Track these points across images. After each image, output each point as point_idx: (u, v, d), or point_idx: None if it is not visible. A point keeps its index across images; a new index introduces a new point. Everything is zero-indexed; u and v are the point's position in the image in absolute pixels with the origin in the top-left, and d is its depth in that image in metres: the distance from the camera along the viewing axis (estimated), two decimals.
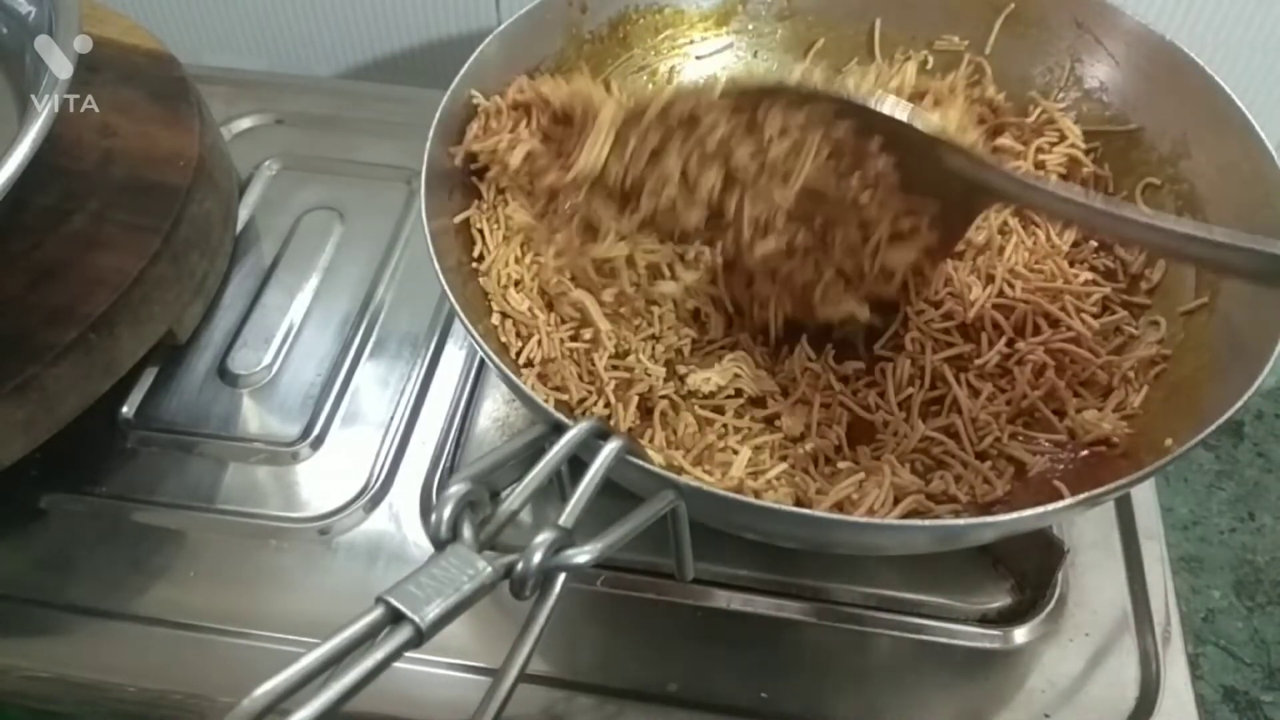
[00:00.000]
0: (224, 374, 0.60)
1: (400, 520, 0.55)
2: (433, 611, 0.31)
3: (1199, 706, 0.48)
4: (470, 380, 0.60)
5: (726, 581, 0.52)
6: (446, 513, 0.34)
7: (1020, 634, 0.51)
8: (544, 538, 0.34)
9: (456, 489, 0.35)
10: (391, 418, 0.58)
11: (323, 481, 0.56)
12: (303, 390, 0.60)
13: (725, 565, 0.52)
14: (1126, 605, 0.52)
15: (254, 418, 0.58)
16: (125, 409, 0.58)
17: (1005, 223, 0.56)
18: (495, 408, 0.59)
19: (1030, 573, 0.51)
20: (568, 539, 0.35)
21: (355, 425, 0.58)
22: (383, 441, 0.58)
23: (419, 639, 0.31)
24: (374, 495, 0.56)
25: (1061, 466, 0.48)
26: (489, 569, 0.33)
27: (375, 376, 0.61)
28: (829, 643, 0.51)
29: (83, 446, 0.56)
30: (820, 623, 0.51)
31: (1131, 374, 0.50)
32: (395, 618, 0.31)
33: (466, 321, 0.45)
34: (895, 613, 0.51)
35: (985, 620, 0.51)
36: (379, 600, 0.32)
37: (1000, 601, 0.52)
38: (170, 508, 0.55)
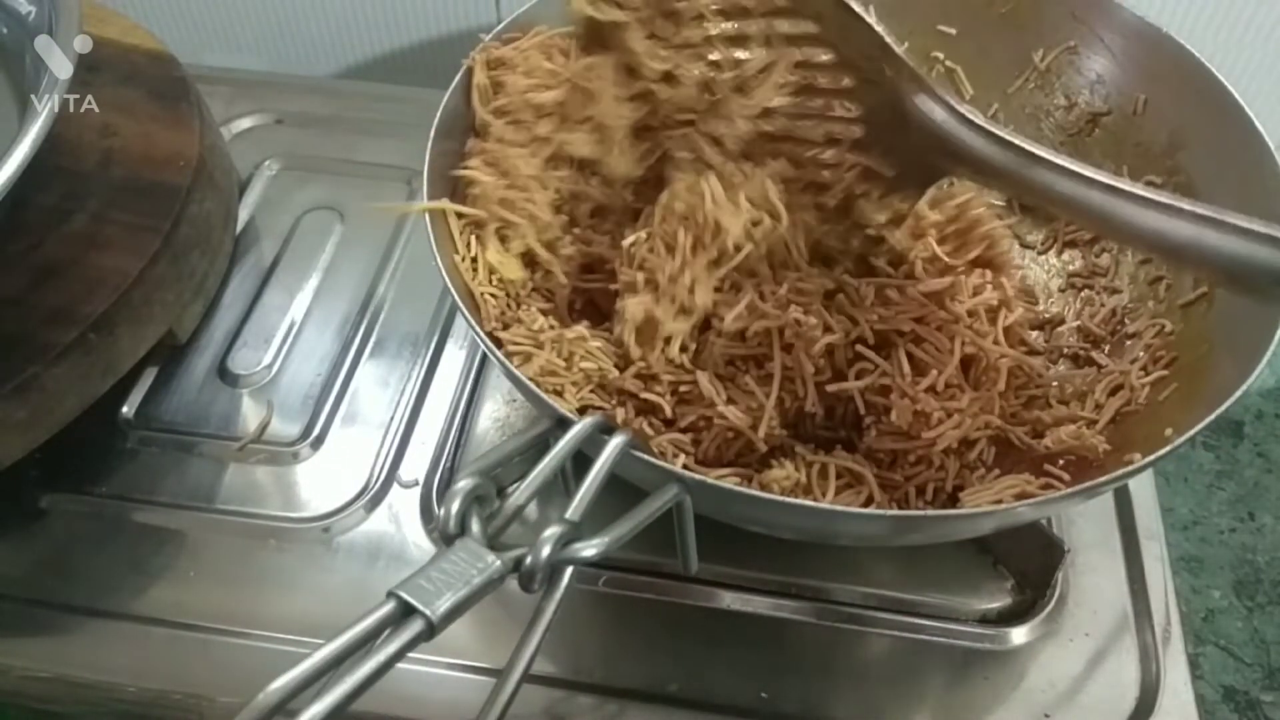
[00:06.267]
0: (224, 374, 0.60)
1: (400, 520, 0.55)
2: (443, 605, 0.32)
3: (1199, 706, 0.48)
4: (470, 380, 0.60)
5: (727, 581, 0.52)
6: (455, 507, 0.35)
7: (1020, 634, 0.51)
8: (552, 531, 0.34)
9: (464, 484, 0.35)
10: (391, 418, 0.58)
11: (323, 481, 0.56)
12: (303, 390, 0.60)
13: (726, 565, 0.52)
14: (1126, 605, 0.52)
15: (254, 418, 0.58)
16: (125, 409, 0.58)
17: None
18: (495, 408, 0.59)
19: (1030, 573, 0.51)
20: (575, 532, 0.35)
21: (355, 425, 0.58)
22: (383, 441, 0.58)
23: (430, 633, 0.31)
24: (374, 495, 0.56)
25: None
26: (498, 562, 0.33)
27: (375, 376, 0.61)
28: (829, 643, 0.51)
29: (83, 446, 0.56)
30: (820, 623, 0.51)
31: (1141, 371, 0.50)
32: (406, 612, 0.32)
33: (470, 319, 0.45)
34: (895, 613, 0.51)
35: (985, 620, 0.51)
36: (390, 595, 0.32)
37: (1000, 601, 0.52)
38: (170, 508, 0.55)
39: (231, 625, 0.51)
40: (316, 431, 0.58)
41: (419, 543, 0.54)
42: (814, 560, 0.52)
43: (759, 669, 0.50)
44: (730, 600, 0.52)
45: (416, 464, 0.57)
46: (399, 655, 0.31)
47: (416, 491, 0.56)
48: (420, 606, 0.31)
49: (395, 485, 0.56)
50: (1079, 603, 0.52)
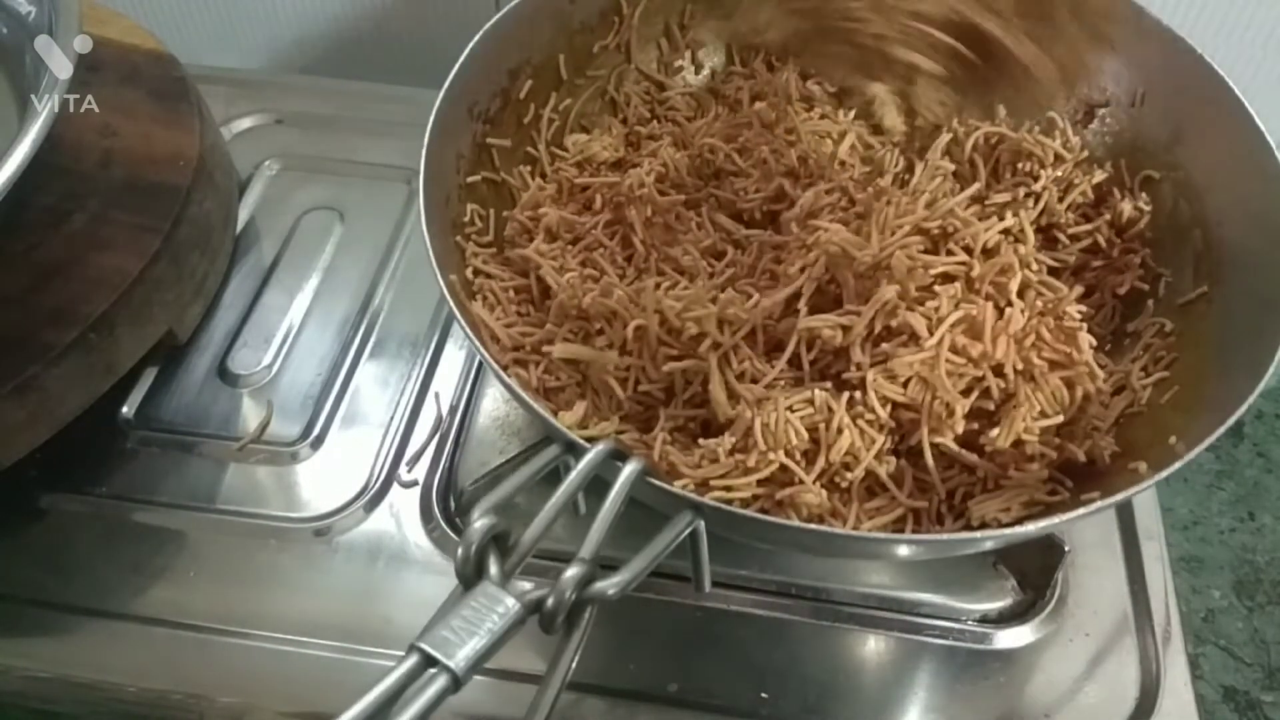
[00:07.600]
0: (224, 374, 0.60)
1: (400, 520, 0.55)
2: (467, 656, 0.31)
3: (1199, 706, 0.48)
4: (470, 380, 0.60)
5: (727, 582, 0.52)
6: (473, 550, 0.34)
7: (1020, 634, 0.51)
8: (572, 573, 0.34)
9: (481, 524, 0.34)
10: (391, 418, 0.58)
11: (323, 481, 0.56)
12: (303, 390, 0.60)
13: (726, 566, 0.51)
14: (1126, 605, 0.52)
15: (254, 418, 0.58)
16: (125, 409, 0.58)
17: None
18: (495, 407, 0.59)
19: (1030, 573, 0.51)
20: (593, 571, 0.35)
21: (355, 425, 0.58)
22: (383, 441, 0.58)
23: (456, 686, 0.31)
24: (374, 495, 0.56)
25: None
26: (518, 606, 0.33)
27: (375, 376, 0.61)
28: (829, 643, 0.51)
29: (83, 446, 0.56)
30: (820, 623, 0.51)
31: (1141, 372, 0.49)
32: (429, 663, 0.31)
33: (476, 340, 0.45)
34: (895, 613, 0.51)
35: (985, 620, 0.51)
36: (412, 648, 0.32)
37: (1000, 601, 0.52)
38: (170, 508, 0.55)
39: (231, 625, 0.51)
40: (316, 431, 0.58)
41: (419, 543, 0.54)
42: (814, 560, 0.52)
43: (759, 669, 0.50)
44: (730, 600, 0.52)
45: (416, 464, 0.57)
46: (427, 712, 0.30)
47: (416, 491, 0.56)
48: (443, 659, 0.31)
49: (395, 485, 0.56)
50: (1079, 603, 0.52)
